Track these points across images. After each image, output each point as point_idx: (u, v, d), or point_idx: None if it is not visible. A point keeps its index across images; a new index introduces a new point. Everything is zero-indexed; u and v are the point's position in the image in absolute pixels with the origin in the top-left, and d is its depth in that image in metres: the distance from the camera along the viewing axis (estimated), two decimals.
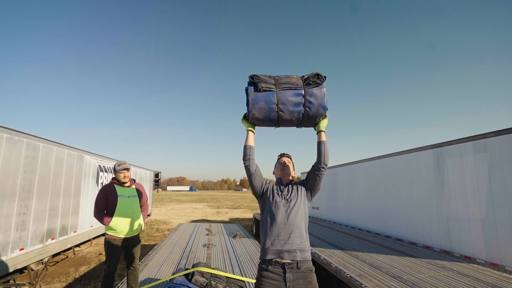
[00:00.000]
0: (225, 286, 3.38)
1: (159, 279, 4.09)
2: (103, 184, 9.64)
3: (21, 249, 5.58)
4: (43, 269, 6.55)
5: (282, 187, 2.33)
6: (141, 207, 3.41)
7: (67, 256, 9.48)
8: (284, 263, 2.02)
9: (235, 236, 7.55)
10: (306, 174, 2.46)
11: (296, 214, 2.16)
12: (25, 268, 5.86)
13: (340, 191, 11.38)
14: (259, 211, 19.00)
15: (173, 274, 3.70)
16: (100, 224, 9.54)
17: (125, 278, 3.66)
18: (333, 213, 11.70)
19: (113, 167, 3.39)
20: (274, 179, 2.59)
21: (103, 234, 11.31)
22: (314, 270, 2.13)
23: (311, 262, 2.16)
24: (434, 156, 6.55)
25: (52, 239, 6.69)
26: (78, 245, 8.99)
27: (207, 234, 7.97)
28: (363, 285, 4.01)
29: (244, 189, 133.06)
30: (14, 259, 5.35)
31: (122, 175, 3.28)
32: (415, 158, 7.18)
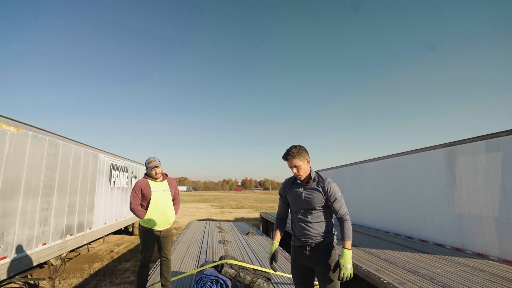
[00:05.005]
0: (253, 277, 3.51)
1: (185, 272, 4.23)
2: (115, 183, 9.80)
3: (43, 244, 5.72)
4: (61, 264, 6.70)
5: (301, 185, 2.49)
6: (173, 200, 3.55)
7: (79, 253, 9.64)
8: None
9: (247, 233, 7.67)
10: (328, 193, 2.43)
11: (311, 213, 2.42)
12: (45, 262, 6.00)
13: (347, 190, 11.48)
14: (264, 211, 19.08)
15: (201, 266, 3.83)
16: (113, 222, 9.69)
17: (153, 268, 3.80)
18: None
19: (144, 163, 3.53)
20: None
21: (116, 232, 11.49)
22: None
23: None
24: (445, 155, 6.65)
25: (71, 235, 6.83)
26: (90, 242, 9.13)
27: (219, 232, 8.09)
28: (382, 279, 4.13)
29: (256, 190, 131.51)
30: (37, 253, 5.50)
31: (153, 172, 3.42)
32: (426, 157, 7.28)
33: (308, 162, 2.41)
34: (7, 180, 4.70)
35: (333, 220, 2.52)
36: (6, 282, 5.18)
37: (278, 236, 2.55)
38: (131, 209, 3.35)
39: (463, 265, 4.92)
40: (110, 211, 9.41)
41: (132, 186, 11.68)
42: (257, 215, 23.63)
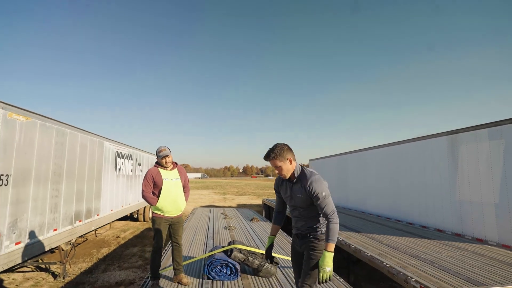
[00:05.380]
0: (261, 261, 3.65)
1: (194, 256, 4.38)
2: (120, 170, 9.93)
3: (54, 230, 5.89)
4: (71, 249, 6.89)
5: (289, 183, 2.44)
6: (183, 188, 3.65)
7: (87, 239, 9.87)
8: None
9: (252, 220, 7.84)
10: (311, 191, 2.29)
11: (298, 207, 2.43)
12: (56, 247, 6.18)
13: (350, 177, 11.61)
14: (266, 197, 19.29)
15: (210, 251, 3.97)
16: (119, 208, 9.88)
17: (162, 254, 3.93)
18: (344, 198, 11.97)
19: (155, 152, 3.61)
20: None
21: (121, 218, 11.72)
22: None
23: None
24: (448, 143, 6.71)
25: (79, 221, 7.00)
26: (98, 228, 9.33)
27: (224, 218, 8.27)
28: (385, 263, 4.28)
29: (270, 177, 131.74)
30: (49, 238, 5.67)
31: (164, 161, 3.51)
32: (429, 145, 7.35)
33: (290, 161, 2.31)
34: (18, 168, 4.80)
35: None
36: (18, 266, 5.36)
37: (274, 230, 2.60)
38: (143, 197, 3.46)
39: (463, 249, 5.07)
40: (116, 198, 9.58)
41: (136, 173, 11.85)
42: (259, 201, 23.93)
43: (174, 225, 3.55)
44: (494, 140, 5.61)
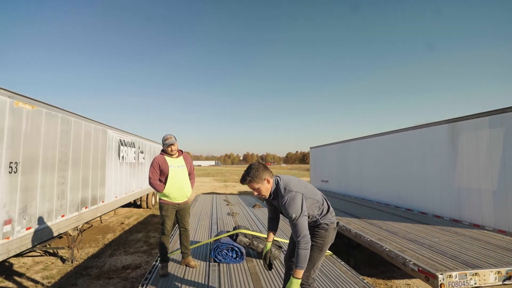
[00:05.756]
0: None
1: (199, 241, 4.53)
2: (124, 158, 10.04)
3: (62, 216, 6.04)
4: (78, 234, 7.07)
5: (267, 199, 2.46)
6: (189, 175, 3.75)
7: (92, 225, 10.08)
8: None
9: (254, 206, 8.00)
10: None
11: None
12: (64, 233, 6.35)
13: (351, 164, 11.74)
14: None
15: (216, 235, 4.12)
16: (123, 195, 10.04)
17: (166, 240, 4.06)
18: (344, 185, 12.14)
19: (161, 140, 3.69)
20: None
21: (125, 205, 11.90)
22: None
23: None
24: (449, 131, 6.78)
25: (85, 207, 7.15)
26: (102, 215, 9.51)
27: (227, 205, 8.43)
28: (384, 247, 4.43)
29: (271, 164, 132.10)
30: (58, 224, 5.82)
31: (169, 149, 3.59)
32: (429, 133, 7.42)
33: (268, 181, 2.24)
34: (26, 156, 4.89)
35: (321, 203, 2.43)
36: (28, 251, 5.53)
37: (270, 237, 2.57)
38: (151, 184, 3.56)
39: (460, 234, 5.22)
40: (120, 185, 9.73)
41: (139, 161, 11.97)
42: None
43: (181, 211, 3.66)
44: (495, 128, 5.68)
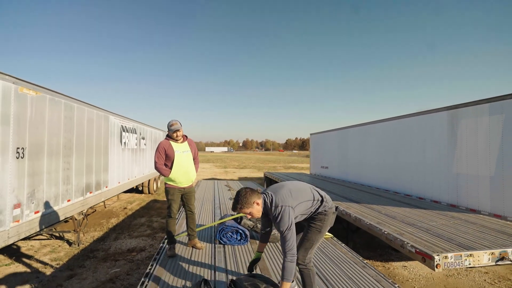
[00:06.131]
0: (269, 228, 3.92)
1: (204, 224, 4.67)
2: (126, 144, 10.11)
3: (68, 200, 6.17)
4: (83, 219, 7.23)
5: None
6: (193, 160, 3.84)
7: (95, 210, 10.26)
8: None
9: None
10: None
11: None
12: (70, 217, 6.50)
13: (350, 150, 11.85)
14: (268, 171, 19.61)
15: (220, 219, 4.25)
16: (126, 181, 10.18)
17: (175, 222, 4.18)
18: (343, 171, 12.28)
19: (167, 126, 3.75)
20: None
21: (127, 191, 12.05)
22: None
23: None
24: (448, 118, 6.85)
25: (90, 192, 7.29)
26: (105, 200, 9.67)
27: (228, 190, 8.57)
28: (383, 230, 4.57)
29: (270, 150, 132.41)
30: (64, 208, 5.96)
31: (175, 135, 3.66)
32: (429, 120, 7.48)
33: (257, 203, 2.36)
34: (32, 142, 4.97)
35: (317, 195, 2.53)
36: (35, 234, 5.68)
37: (261, 247, 2.73)
38: (157, 168, 3.65)
39: (457, 218, 5.37)
40: (122, 171, 9.85)
41: (141, 147, 12.05)
42: (259, 174, 24.41)
43: (187, 194, 3.77)
44: (495, 115, 5.74)
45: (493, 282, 4.92)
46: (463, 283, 4.91)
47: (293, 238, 2.22)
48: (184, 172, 3.65)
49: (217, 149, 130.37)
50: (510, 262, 3.81)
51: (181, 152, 3.66)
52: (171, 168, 3.62)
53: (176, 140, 3.70)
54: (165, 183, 3.74)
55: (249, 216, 2.45)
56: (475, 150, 6.15)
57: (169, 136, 3.72)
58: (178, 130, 3.64)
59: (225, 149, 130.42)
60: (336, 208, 2.60)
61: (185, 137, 3.80)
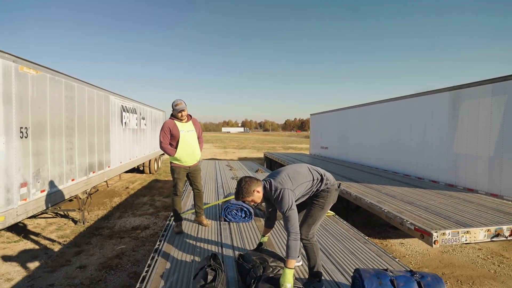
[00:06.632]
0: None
1: (208, 203, 4.77)
2: (126, 124, 10.10)
3: (72, 180, 6.24)
4: (87, 198, 7.35)
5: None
6: (198, 139, 3.88)
7: (98, 189, 10.39)
8: None
9: (257, 171, 8.24)
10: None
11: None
12: (74, 196, 6.60)
13: (351, 131, 11.89)
14: (268, 151, 19.68)
15: (225, 197, 4.34)
16: (127, 161, 10.24)
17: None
18: (343, 152, 12.39)
19: (171, 105, 3.75)
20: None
21: (129, 171, 12.16)
22: None
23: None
24: (450, 98, 6.84)
25: (93, 172, 7.36)
26: (107, 180, 9.77)
27: (230, 169, 8.67)
28: (383, 209, 4.69)
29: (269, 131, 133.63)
30: (69, 187, 6.04)
31: (179, 114, 3.67)
32: (431, 100, 7.48)
33: (258, 191, 2.43)
34: (35, 121, 4.96)
35: (316, 174, 2.58)
36: (41, 212, 5.80)
37: (265, 232, 2.81)
38: (162, 148, 3.69)
39: (455, 198, 5.50)
40: (124, 151, 9.89)
41: (141, 127, 12.04)
42: (259, 155, 24.56)
43: (192, 173, 3.84)
44: (497, 95, 5.74)
45: (486, 257, 5.11)
46: (457, 258, 5.10)
47: (295, 218, 2.30)
48: (189, 151, 3.70)
49: (233, 130, 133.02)
50: (504, 238, 3.95)
51: (186, 131, 3.69)
52: (176, 148, 3.66)
53: (181, 120, 3.71)
54: (171, 162, 3.78)
55: (252, 203, 2.56)
56: (475, 131, 6.20)
57: (173, 116, 3.72)
58: (183, 110, 3.65)
59: (242, 129, 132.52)
60: (339, 185, 2.66)
61: (189, 117, 3.81)
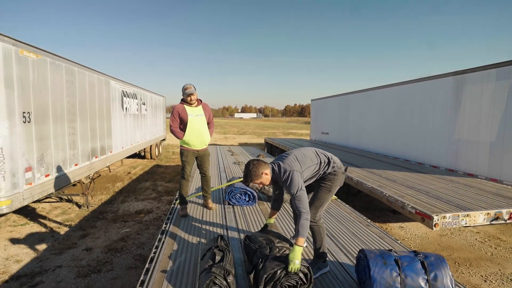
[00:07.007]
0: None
1: (212, 187, 4.82)
2: (127, 109, 10.07)
3: (75, 165, 6.28)
4: (91, 182, 7.41)
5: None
6: (208, 124, 3.90)
7: (100, 175, 10.46)
8: None
9: (258, 156, 8.28)
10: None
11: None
12: (78, 181, 6.66)
13: (351, 116, 11.87)
14: (268, 137, 19.68)
15: (229, 181, 4.39)
16: (129, 146, 10.27)
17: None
18: (344, 137, 12.41)
19: (181, 90, 3.76)
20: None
21: (131, 156, 12.21)
22: None
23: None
24: (454, 83, 6.80)
25: (96, 157, 7.39)
26: (110, 165, 9.82)
27: (231, 155, 8.71)
28: (384, 193, 4.75)
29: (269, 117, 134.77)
30: (72, 172, 6.08)
31: (189, 98, 3.68)
32: (433, 86, 7.43)
33: (266, 173, 2.45)
34: (37, 106, 4.95)
35: (323, 157, 2.60)
36: (45, 197, 5.87)
37: (272, 214, 2.86)
38: (171, 131, 3.76)
39: (455, 182, 5.57)
40: (125, 136, 9.90)
41: (142, 112, 12.00)
42: (259, 140, 24.60)
43: (201, 157, 3.89)
44: (501, 80, 5.71)
45: (484, 240, 5.22)
46: (455, 241, 5.21)
47: (305, 198, 2.35)
48: (197, 135, 3.74)
49: (246, 115, 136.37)
50: (503, 222, 4.02)
51: (195, 115, 3.72)
52: (184, 131, 3.70)
53: (190, 104, 3.73)
54: (180, 146, 3.85)
55: (261, 186, 2.57)
56: (477, 116, 6.20)
57: (183, 100, 3.75)
58: (192, 94, 3.67)
59: (254, 115, 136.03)
60: (346, 168, 2.69)
61: (199, 101, 3.83)
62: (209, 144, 4.09)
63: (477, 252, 4.82)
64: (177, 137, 3.77)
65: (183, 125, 3.72)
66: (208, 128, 3.89)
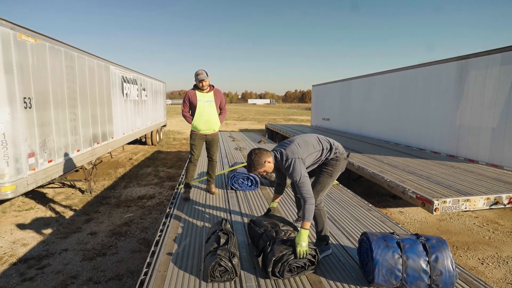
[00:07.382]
0: None
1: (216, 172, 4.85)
2: (128, 95, 10.01)
3: (78, 150, 6.30)
4: (93, 168, 7.46)
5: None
6: (220, 110, 3.93)
7: (102, 161, 10.50)
8: None
9: (259, 142, 8.30)
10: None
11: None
12: (80, 167, 6.69)
13: (353, 102, 11.81)
14: (269, 123, 19.64)
15: (231, 166, 4.42)
16: (130, 132, 10.27)
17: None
18: (345, 123, 12.39)
19: (194, 75, 3.76)
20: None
21: (132, 142, 12.23)
22: None
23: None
24: (457, 68, 6.73)
25: (97, 143, 7.41)
26: (111, 151, 9.84)
27: (232, 140, 8.72)
28: (386, 178, 4.79)
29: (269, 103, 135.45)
30: (75, 158, 6.11)
31: (200, 84, 3.69)
32: (437, 71, 7.36)
33: (269, 162, 2.47)
34: (38, 92, 4.92)
35: (325, 144, 2.61)
36: (48, 183, 5.91)
37: (275, 198, 2.88)
38: (183, 115, 3.88)
39: (456, 168, 5.60)
40: (126, 122, 9.88)
41: (142, 98, 11.94)
42: (260, 126, 24.57)
43: (209, 142, 3.95)
44: (506, 65, 5.65)
45: (482, 225, 5.30)
46: (454, 226, 5.29)
47: (309, 184, 2.37)
48: (205, 121, 3.78)
49: (259, 101, 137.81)
50: (503, 206, 4.07)
51: (204, 101, 3.75)
52: (193, 116, 3.74)
53: (202, 90, 3.74)
54: (191, 130, 3.94)
55: (264, 173, 2.59)
56: (480, 102, 6.17)
57: (195, 86, 3.77)
58: (203, 80, 3.67)
59: (268, 101, 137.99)
60: (348, 154, 2.70)
61: (211, 87, 3.83)
62: None
63: (475, 236, 4.90)
64: (187, 121, 3.87)
65: (192, 110, 3.78)
66: (220, 114, 3.92)
